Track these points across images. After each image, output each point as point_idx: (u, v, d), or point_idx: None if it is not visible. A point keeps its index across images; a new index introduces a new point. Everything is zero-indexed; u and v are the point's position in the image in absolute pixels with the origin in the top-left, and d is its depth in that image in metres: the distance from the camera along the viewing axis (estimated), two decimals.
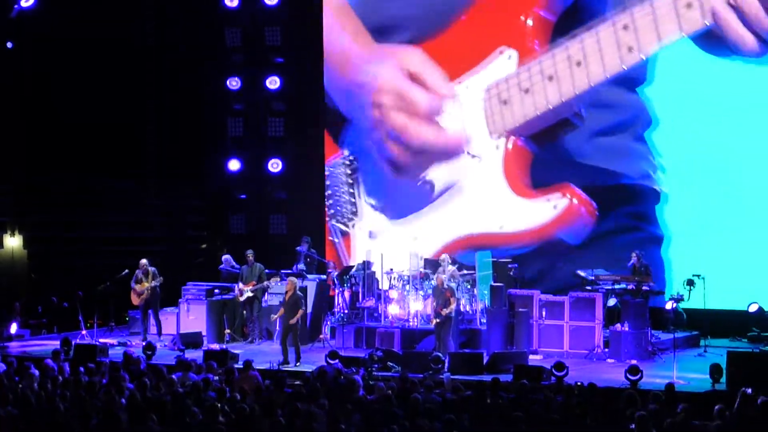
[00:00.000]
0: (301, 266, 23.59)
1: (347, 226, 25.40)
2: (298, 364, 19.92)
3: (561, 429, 13.12)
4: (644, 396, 14.50)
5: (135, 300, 22.74)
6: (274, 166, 26.82)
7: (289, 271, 22.83)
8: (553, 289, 21.86)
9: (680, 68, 22.44)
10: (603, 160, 23.13)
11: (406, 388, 15.23)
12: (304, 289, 21.94)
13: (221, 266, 23.99)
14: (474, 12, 23.81)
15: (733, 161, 22.35)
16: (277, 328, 21.25)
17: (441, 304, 20.18)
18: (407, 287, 21.96)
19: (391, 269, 22.83)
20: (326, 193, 25.63)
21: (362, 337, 21.75)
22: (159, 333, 22.58)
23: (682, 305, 21.56)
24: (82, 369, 16.78)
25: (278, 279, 22.33)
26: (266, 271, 22.66)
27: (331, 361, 18.76)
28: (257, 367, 17.43)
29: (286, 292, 20.50)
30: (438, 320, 20.20)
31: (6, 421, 13.34)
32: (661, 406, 13.87)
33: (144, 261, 22.75)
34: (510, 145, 23.39)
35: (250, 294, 22.27)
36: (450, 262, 21.74)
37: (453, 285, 20.66)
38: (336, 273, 23.10)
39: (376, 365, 19.03)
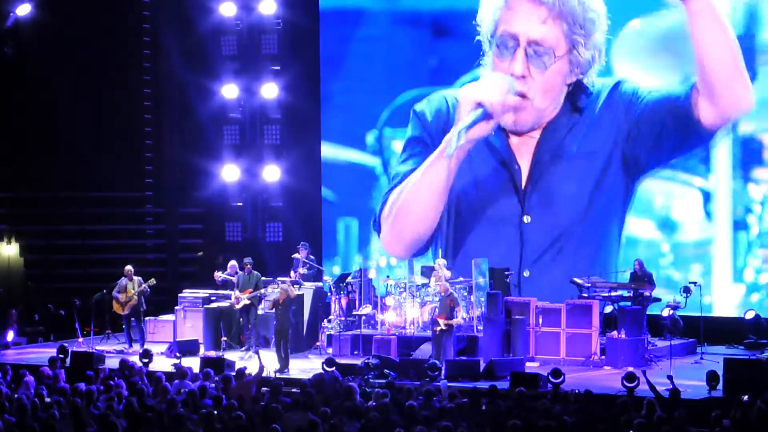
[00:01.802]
0: (303, 270, 23.47)
1: None
2: (284, 370, 19.99)
3: None
4: (640, 403, 14.51)
5: (119, 309, 22.65)
6: (271, 173, 26.83)
7: (289, 279, 22.79)
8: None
9: None
10: None
11: (397, 396, 15.23)
12: (300, 297, 21.97)
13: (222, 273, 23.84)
14: None
15: None
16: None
17: (441, 311, 20.14)
18: (404, 294, 21.96)
19: (388, 276, 22.92)
20: None
21: (359, 344, 21.74)
22: (142, 342, 22.47)
23: (679, 312, 21.62)
24: (78, 377, 16.79)
25: (275, 287, 22.29)
26: (263, 279, 22.64)
27: (328, 369, 18.75)
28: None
29: (278, 300, 20.56)
30: (441, 328, 20.08)
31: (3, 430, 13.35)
32: (655, 413, 13.89)
33: (129, 267, 22.72)
34: None
35: (246, 302, 22.24)
36: (445, 266, 21.68)
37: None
38: None
39: (372, 373, 19.02)
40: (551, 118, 23.09)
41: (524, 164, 23.24)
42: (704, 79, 21.42)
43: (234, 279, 22.64)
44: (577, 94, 22.97)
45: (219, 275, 22.70)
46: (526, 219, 23.22)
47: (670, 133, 22.25)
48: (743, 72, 21.48)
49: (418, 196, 22.93)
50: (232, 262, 23.31)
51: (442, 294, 20.28)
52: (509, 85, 22.22)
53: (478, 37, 23.09)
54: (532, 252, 23.03)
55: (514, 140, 23.32)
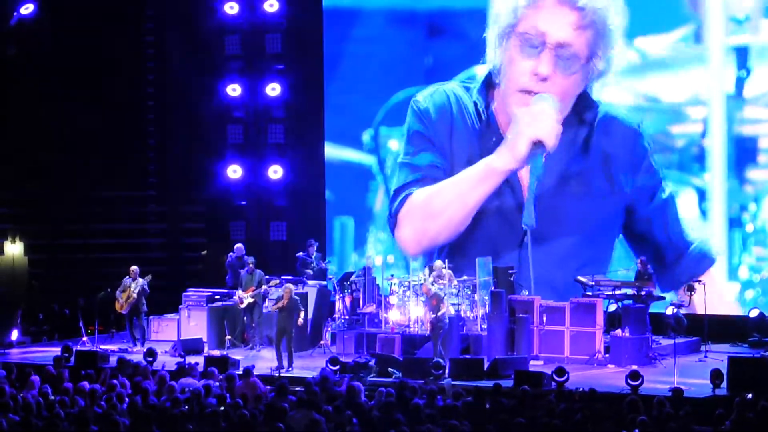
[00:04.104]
0: (311, 270, 23.48)
1: None
2: (290, 369, 20.03)
3: None
4: (645, 401, 14.51)
5: (119, 308, 22.66)
6: (275, 173, 26.84)
7: (292, 278, 22.83)
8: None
9: None
10: None
11: (401, 395, 15.24)
12: (304, 296, 21.97)
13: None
14: None
15: None
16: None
17: (429, 311, 20.24)
18: (408, 293, 21.96)
19: (392, 275, 22.93)
20: None
21: (363, 343, 21.75)
22: (143, 341, 22.54)
23: (683, 311, 21.62)
24: (82, 376, 16.80)
25: (278, 284, 22.34)
26: (266, 277, 22.67)
27: (332, 367, 18.79)
28: (257, 374, 17.46)
29: (282, 298, 20.56)
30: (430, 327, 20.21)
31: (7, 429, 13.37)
32: (663, 411, 13.89)
33: (134, 268, 22.73)
34: None
35: (250, 300, 22.25)
36: (444, 267, 21.65)
37: (437, 289, 20.57)
38: None
39: (365, 371, 19.04)
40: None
41: (525, 177, 23.17)
42: None
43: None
44: (582, 105, 23.00)
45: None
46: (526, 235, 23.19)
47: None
48: None
49: (458, 209, 23.00)
50: (239, 245, 23.49)
51: (426, 295, 20.36)
52: (557, 108, 22.34)
53: (486, 33, 23.07)
54: (526, 268, 22.97)
55: None
